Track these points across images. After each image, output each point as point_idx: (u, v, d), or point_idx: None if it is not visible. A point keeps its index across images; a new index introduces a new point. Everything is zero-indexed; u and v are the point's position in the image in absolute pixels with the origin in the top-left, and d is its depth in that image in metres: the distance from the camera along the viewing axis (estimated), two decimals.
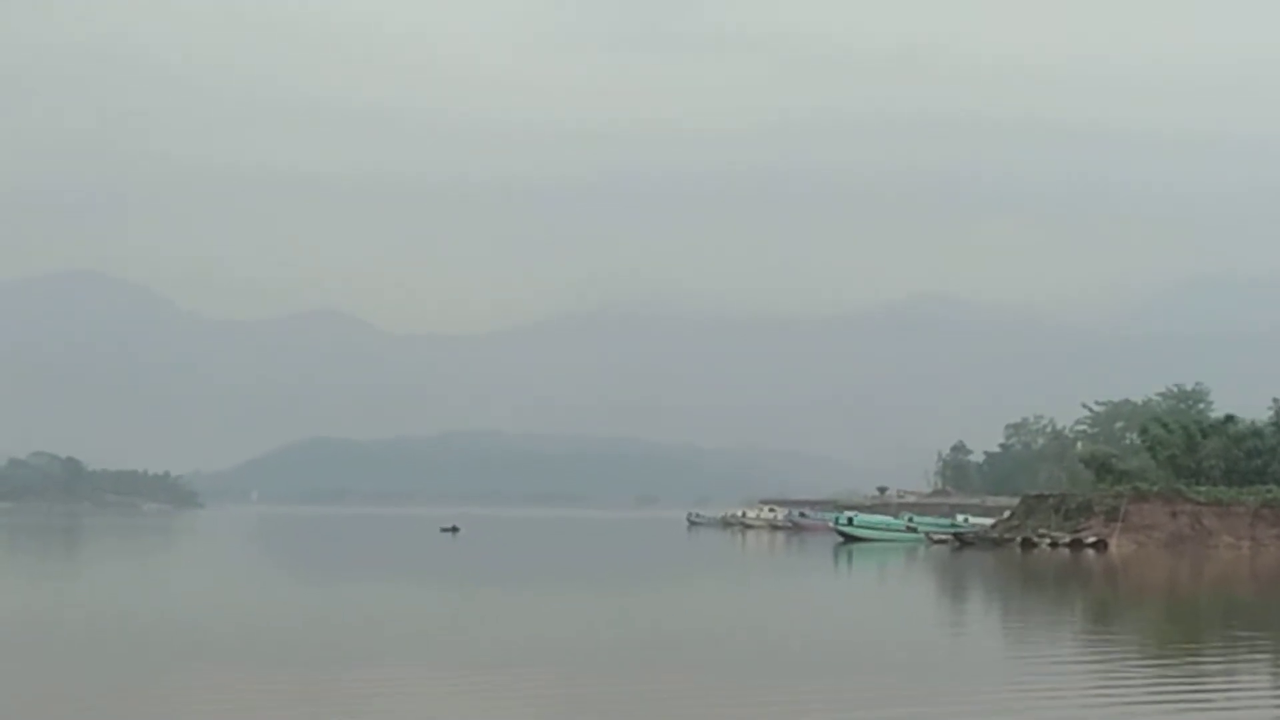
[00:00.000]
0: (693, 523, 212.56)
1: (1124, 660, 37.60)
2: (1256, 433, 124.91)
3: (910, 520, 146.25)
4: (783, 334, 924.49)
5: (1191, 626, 50.03)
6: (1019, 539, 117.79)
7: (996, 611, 59.40)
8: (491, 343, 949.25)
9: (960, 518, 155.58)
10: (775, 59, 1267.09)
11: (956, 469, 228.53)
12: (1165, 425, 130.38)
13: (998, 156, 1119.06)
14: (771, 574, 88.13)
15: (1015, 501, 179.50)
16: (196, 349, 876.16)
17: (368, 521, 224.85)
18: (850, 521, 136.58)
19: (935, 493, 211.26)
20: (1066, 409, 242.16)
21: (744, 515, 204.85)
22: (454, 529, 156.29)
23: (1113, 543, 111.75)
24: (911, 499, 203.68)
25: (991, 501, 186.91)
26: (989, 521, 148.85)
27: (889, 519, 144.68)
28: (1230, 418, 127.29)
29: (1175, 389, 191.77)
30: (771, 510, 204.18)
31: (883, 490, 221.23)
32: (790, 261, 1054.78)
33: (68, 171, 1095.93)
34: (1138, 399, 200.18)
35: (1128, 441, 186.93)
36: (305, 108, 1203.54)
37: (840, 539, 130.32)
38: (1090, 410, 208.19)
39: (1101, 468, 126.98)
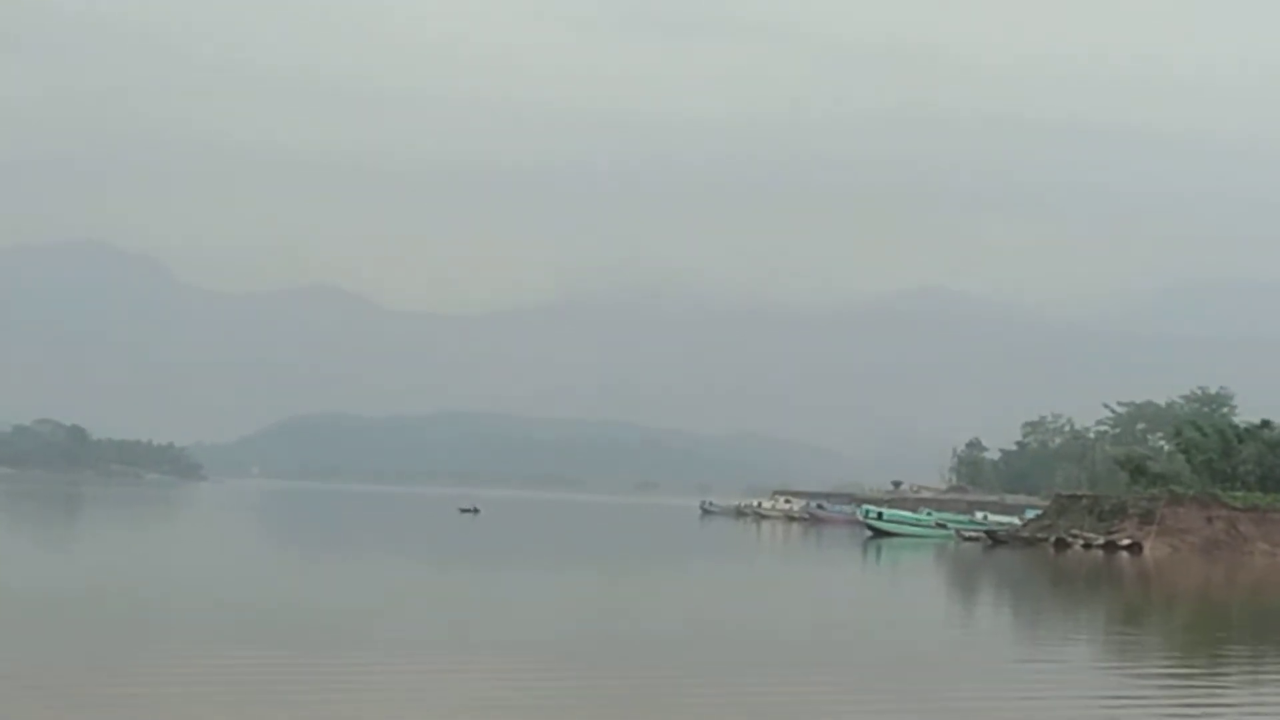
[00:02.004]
0: (706, 511, 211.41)
1: (1148, 666, 36.69)
2: None
3: (929, 515, 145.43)
4: (782, 324, 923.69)
5: (1222, 634, 48.97)
6: (1052, 539, 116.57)
7: (1032, 611, 58.71)
8: (491, 323, 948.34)
9: (980, 514, 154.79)
10: (776, 51, 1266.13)
11: (972, 465, 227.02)
12: (1200, 429, 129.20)
13: (1001, 153, 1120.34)
14: (802, 566, 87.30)
15: (1034, 500, 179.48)
16: (197, 321, 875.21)
17: (376, 500, 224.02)
18: (880, 516, 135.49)
19: (952, 489, 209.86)
20: (1066, 405, 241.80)
21: (759, 505, 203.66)
22: (474, 510, 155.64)
23: (1147, 546, 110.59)
24: (928, 494, 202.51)
25: (1010, 499, 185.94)
26: (1007, 519, 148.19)
27: (919, 515, 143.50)
28: (1266, 423, 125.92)
29: (1200, 391, 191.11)
30: (787, 501, 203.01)
31: (897, 484, 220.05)
32: (792, 252, 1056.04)
33: (74, 142, 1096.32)
34: (1160, 401, 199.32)
35: (1149, 443, 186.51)
36: (311, 85, 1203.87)
37: (869, 533, 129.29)
38: (1112, 411, 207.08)
39: (1136, 470, 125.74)
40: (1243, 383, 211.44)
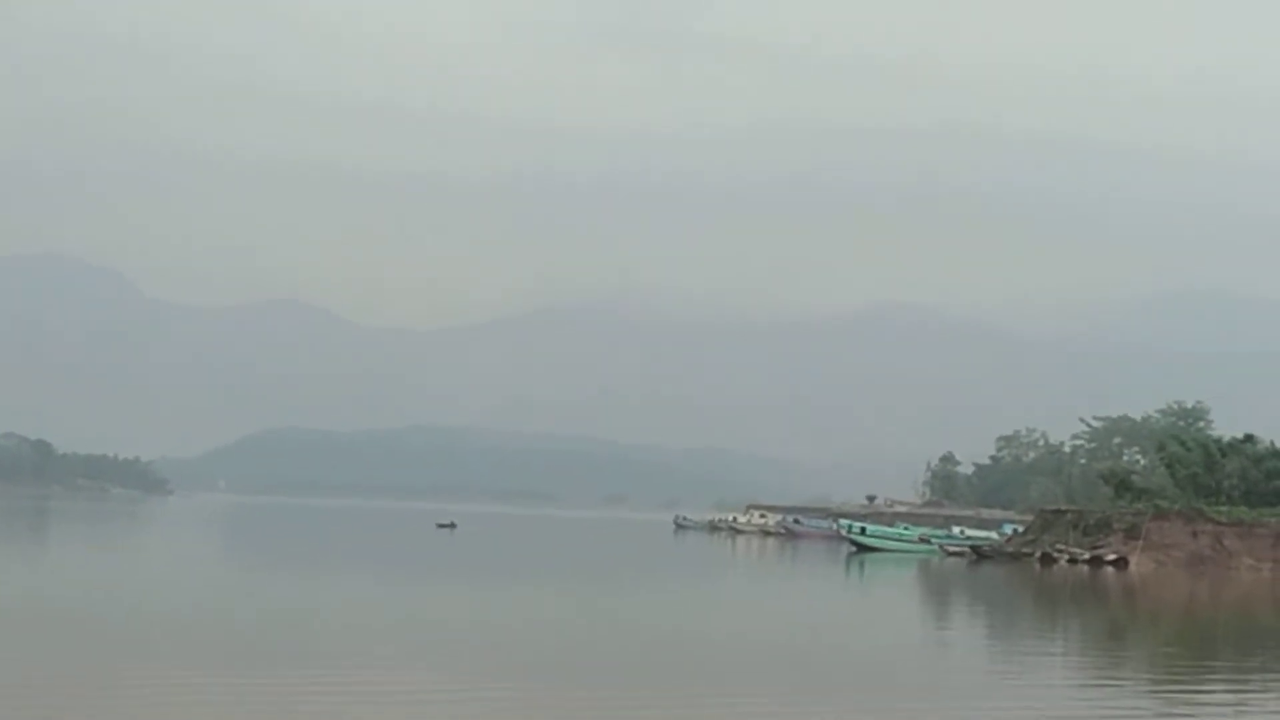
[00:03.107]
0: (679, 525, 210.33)
1: (1135, 683, 36.17)
2: (1276, 453, 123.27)
3: (906, 529, 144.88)
4: (748, 338, 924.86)
5: (1208, 650, 48.28)
6: (1038, 554, 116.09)
7: (1020, 626, 58.15)
8: (459, 337, 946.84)
9: (957, 529, 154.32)
10: (739, 66, 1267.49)
11: (945, 480, 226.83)
12: (1183, 443, 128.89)
13: (967, 166, 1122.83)
14: (787, 582, 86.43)
15: (1010, 514, 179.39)
16: (162, 335, 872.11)
17: (349, 514, 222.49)
18: (863, 531, 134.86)
19: (927, 503, 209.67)
20: (1034, 419, 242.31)
21: (734, 520, 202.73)
22: (451, 525, 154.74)
23: (1133, 561, 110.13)
24: (903, 509, 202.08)
25: (986, 514, 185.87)
26: (984, 534, 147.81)
27: (901, 529, 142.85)
28: (1249, 437, 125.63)
29: (1176, 405, 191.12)
30: (763, 515, 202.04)
31: (871, 499, 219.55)
32: (758, 266, 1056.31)
33: (36, 153, 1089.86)
34: (1136, 415, 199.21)
35: (1126, 457, 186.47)
36: (278, 98, 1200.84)
37: (852, 548, 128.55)
38: (1088, 425, 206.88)
39: (1120, 484, 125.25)
40: (1216, 396, 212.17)
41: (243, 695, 26.45)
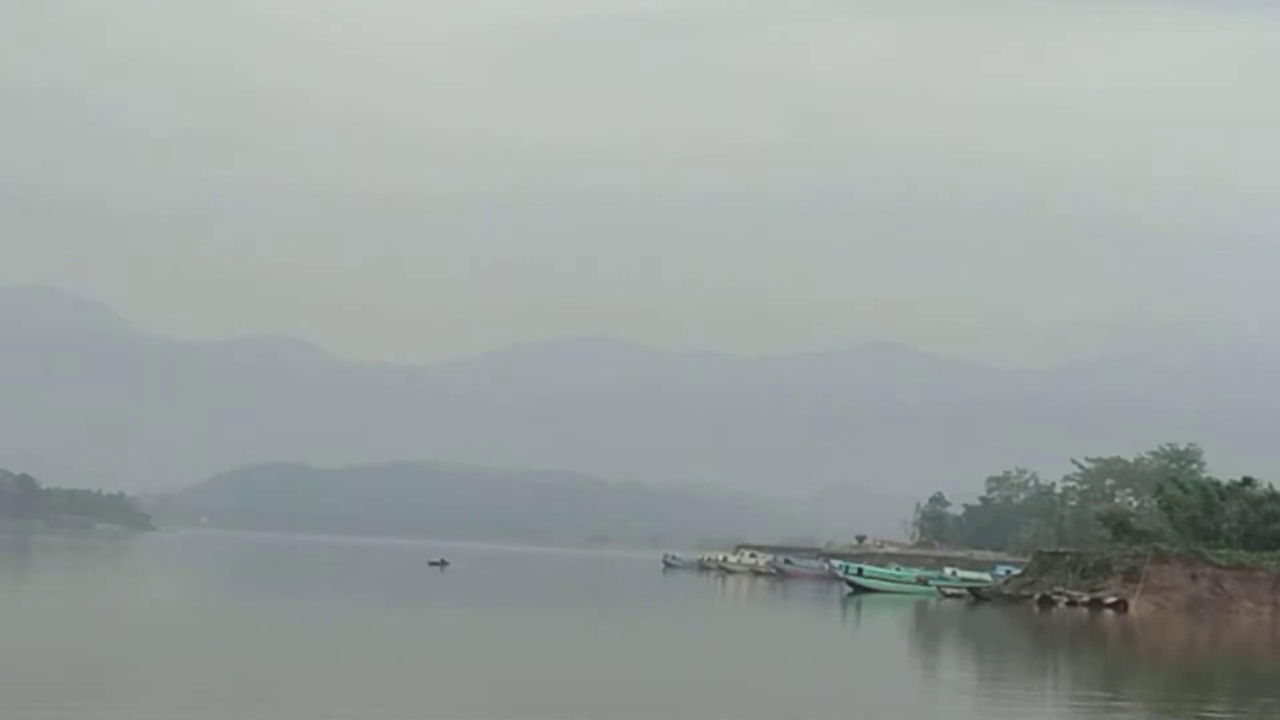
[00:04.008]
0: (668, 565, 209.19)
1: None
2: (1275, 496, 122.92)
3: (898, 570, 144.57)
4: (731, 374, 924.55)
5: (1205, 695, 47.69)
6: (1037, 596, 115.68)
7: (1024, 668, 58.06)
8: (444, 372, 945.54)
9: (949, 570, 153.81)
10: (727, 91, 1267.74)
11: (935, 520, 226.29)
12: (1182, 486, 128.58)
13: (952, 196, 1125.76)
14: (784, 623, 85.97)
15: (1002, 555, 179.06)
16: (147, 369, 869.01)
17: (337, 552, 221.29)
18: (860, 572, 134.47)
19: (918, 544, 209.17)
20: (1021, 459, 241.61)
21: (724, 560, 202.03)
22: (442, 563, 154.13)
23: (1133, 604, 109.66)
24: (894, 549, 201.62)
25: (979, 555, 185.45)
26: (977, 575, 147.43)
27: (899, 570, 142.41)
28: (1248, 480, 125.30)
29: (1168, 448, 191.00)
30: (752, 555, 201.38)
31: (861, 539, 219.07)
32: (741, 302, 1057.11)
33: (25, 182, 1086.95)
34: (1129, 457, 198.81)
35: (1118, 499, 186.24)
36: (264, 127, 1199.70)
37: (848, 589, 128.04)
38: (1080, 466, 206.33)
39: (1119, 527, 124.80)
40: (1206, 436, 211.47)
41: None
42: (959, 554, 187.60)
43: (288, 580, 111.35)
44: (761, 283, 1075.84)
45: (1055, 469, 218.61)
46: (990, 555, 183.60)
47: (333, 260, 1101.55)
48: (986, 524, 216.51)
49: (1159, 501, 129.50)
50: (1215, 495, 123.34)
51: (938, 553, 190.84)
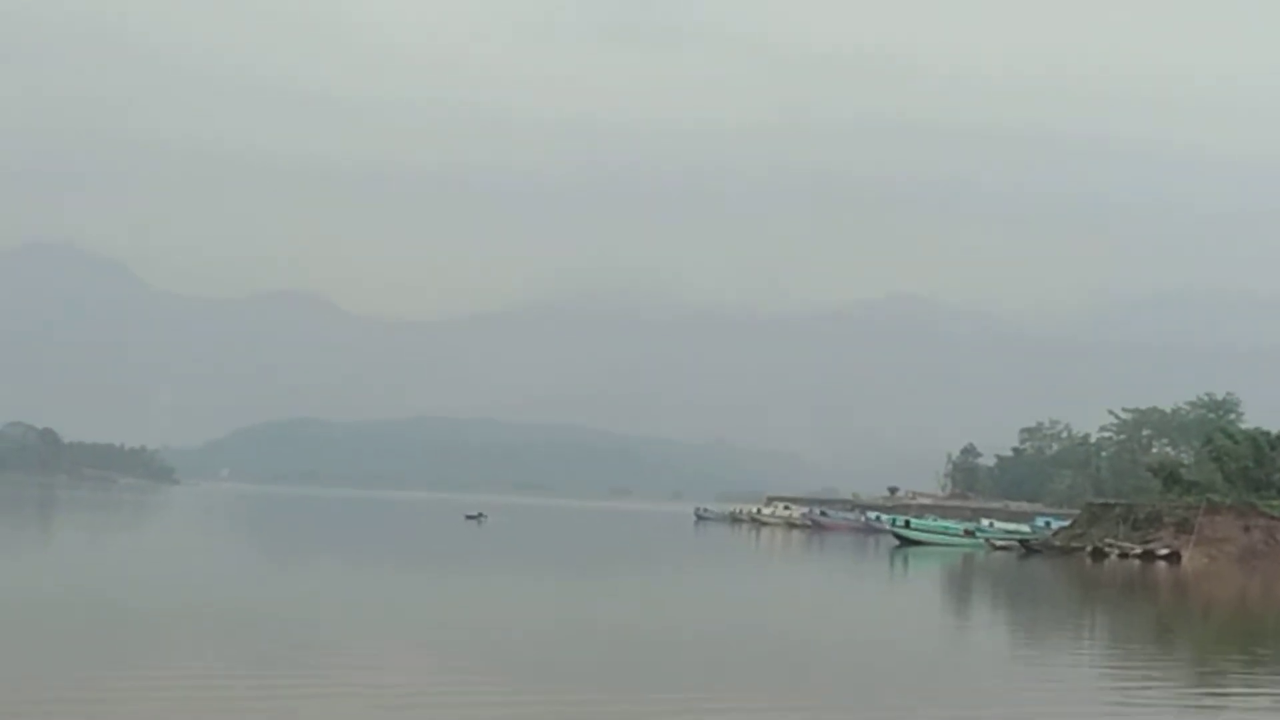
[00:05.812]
0: (700, 517, 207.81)
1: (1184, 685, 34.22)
2: None
3: (949, 524, 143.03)
4: (754, 331, 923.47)
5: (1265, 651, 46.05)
6: (1088, 548, 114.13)
7: (1089, 622, 56.87)
8: (462, 328, 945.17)
9: (986, 521, 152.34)
10: (748, 61, 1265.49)
11: (967, 472, 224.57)
12: (1231, 436, 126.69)
13: (971, 162, 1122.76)
14: (835, 575, 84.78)
15: (1039, 506, 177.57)
16: (166, 326, 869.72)
17: (365, 506, 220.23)
18: (908, 524, 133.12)
19: (953, 495, 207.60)
20: (1048, 411, 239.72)
21: (758, 511, 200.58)
22: (479, 516, 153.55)
23: (1185, 555, 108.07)
24: (927, 500, 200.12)
25: (1015, 506, 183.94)
26: (1014, 526, 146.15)
27: (946, 523, 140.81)
28: None
29: (1206, 398, 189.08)
30: (787, 508, 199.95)
31: (893, 490, 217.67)
32: (764, 259, 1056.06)
33: (42, 145, 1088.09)
34: (1165, 407, 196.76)
35: (1155, 449, 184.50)
36: (282, 93, 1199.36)
37: (896, 541, 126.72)
38: (1116, 417, 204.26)
39: (1169, 477, 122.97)
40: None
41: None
42: (995, 505, 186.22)
43: (343, 536, 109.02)
44: (775, 243, 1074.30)
45: (1082, 418, 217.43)
46: (1027, 506, 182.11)
47: (352, 220, 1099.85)
48: (1019, 475, 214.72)
49: (1208, 452, 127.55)
50: (1265, 445, 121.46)
51: (973, 504, 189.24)
